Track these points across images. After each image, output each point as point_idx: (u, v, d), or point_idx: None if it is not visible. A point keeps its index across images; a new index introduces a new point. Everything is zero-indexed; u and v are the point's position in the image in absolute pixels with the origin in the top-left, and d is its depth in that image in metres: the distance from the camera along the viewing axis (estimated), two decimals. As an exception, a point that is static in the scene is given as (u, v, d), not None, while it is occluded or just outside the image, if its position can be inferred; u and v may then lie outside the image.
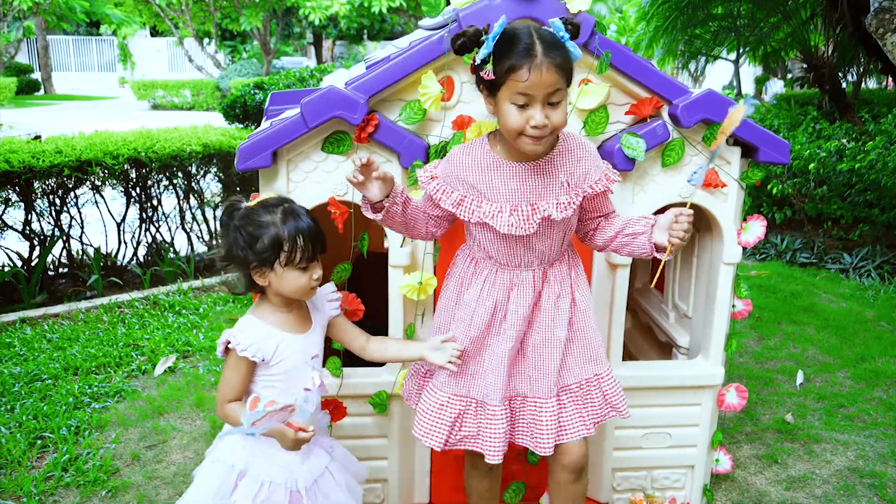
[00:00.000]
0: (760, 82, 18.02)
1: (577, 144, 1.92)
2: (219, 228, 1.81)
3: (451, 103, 2.25)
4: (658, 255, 1.90)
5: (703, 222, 2.54)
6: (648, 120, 2.31)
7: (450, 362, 1.94)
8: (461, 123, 2.23)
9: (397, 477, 2.47)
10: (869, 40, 6.29)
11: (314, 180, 2.23)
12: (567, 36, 1.76)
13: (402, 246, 2.29)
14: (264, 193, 1.91)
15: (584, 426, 1.99)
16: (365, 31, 26.09)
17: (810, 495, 2.77)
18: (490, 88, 1.80)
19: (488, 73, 1.75)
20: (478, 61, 1.77)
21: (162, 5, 18.61)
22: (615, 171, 1.96)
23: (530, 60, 1.70)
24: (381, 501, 2.49)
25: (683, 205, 1.93)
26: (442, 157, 2.24)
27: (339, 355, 2.34)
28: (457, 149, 1.95)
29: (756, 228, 2.44)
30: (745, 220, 2.47)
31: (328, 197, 2.23)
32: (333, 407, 2.33)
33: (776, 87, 16.41)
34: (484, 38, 1.75)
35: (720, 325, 2.50)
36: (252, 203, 1.88)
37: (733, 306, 2.53)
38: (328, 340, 2.24)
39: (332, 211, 2.22)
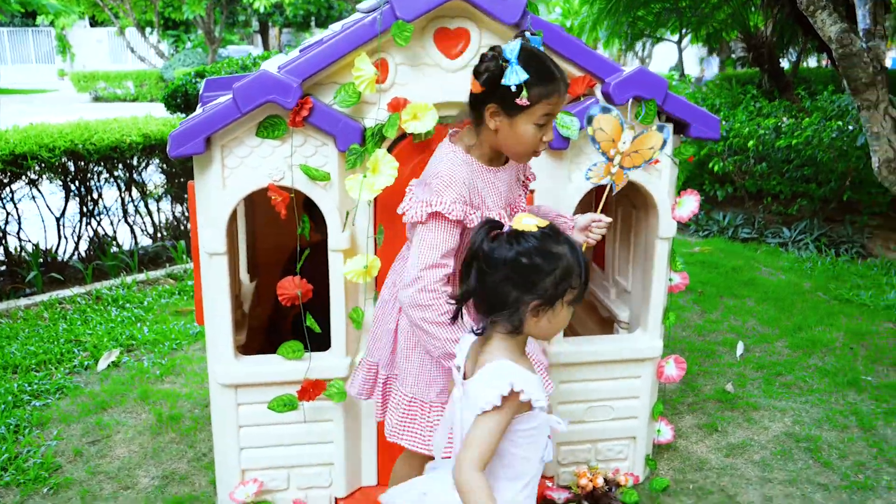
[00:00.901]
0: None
1: None
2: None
3: (385, 85, 2.25)
4: None
5: (638, 199, 2.59)
6: (582, 98, 2.34)
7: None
8: (396, 105, 2.23)
9: (344, 461, 2.46)
10: (805, 19, 6.45)
11: (249, 165, 2.21)
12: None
13: (343, 230, 2.28)
14: (526, 216, 1.60)
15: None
16: (312, 18, 25.74)
17: (749, 461, 2.86)
18: (510, 110, 1.78)
19: (523, 99, 1.74)
20: (513, 88, 1.73)
21: (101, -6, 18.09)
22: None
23: (562, 85, 1.79)
24: (329, 485, 2.49)
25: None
26: (380, 140, 2.23)
27: (301, 338, 2.33)
28: (451, 166, 1.85)
29: (690, 203, 2.50)
30: (679, 194, 2.52)
31: (264, 182, 2.21)
32: (311, 386, 2.32)
33: (713, 64, 16.74)
34: (504, 62, 1.74)
35: (657, 298, 2.55)
36: (524, 227, 1.57)
37: (670, 280, 2.59)
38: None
39: (273, 197, 2.20)
